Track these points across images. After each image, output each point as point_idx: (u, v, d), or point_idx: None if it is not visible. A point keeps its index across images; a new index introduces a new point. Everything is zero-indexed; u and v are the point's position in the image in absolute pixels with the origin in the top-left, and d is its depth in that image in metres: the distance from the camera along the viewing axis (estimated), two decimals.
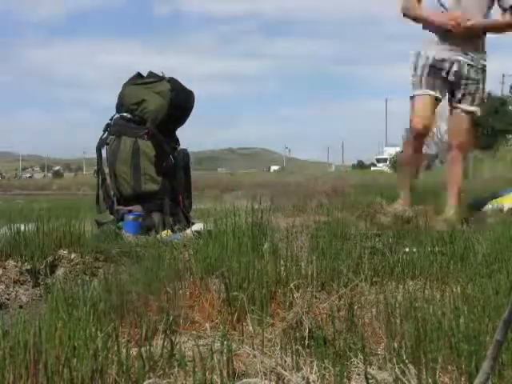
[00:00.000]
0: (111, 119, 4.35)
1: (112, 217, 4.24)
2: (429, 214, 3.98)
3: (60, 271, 2.59)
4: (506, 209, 4.83)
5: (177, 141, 4.45)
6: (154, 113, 4.22)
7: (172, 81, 4.34)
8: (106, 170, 4.35)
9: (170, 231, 3.81)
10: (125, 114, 4.29)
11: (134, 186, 4.17)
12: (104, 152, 4.35)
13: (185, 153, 4.44)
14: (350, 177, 19.41)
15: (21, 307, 2.20)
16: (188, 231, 3.60)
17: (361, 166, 72.84)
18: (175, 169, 4.30)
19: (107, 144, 4.31)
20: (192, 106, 4.47)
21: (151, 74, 4.40)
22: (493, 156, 27.16)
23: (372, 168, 62.12)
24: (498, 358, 1.07)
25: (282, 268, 1.96)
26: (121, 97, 4.35)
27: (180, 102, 4.33)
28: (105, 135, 4.33)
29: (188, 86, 4.45)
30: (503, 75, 42.19)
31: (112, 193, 4.27)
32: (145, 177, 4.17)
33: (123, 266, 2.53)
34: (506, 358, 1.24)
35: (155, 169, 4.19)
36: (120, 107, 4.34)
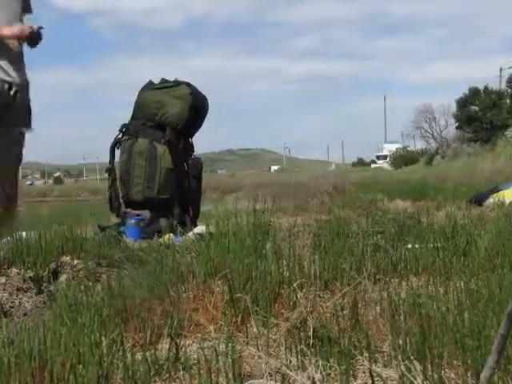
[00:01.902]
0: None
1: (115, 221, 4.23)
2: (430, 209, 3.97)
3: (63, 278, 2.59)
4: (507, 202, 4.84)
5: (192, 147, 4.41)
6: (176, 117, 4.16)
7: (190, 85, 4.30)
8: (118, 172, 4.31)
9: (171, 235, 3.80)
10: (143, 121, 4.23)
11: (146, 190, 4.13)
12: (117, 153, 4.30)
13: (198, 161, 4.41)
14: (350, 175, 19.43)
15: (25, 315, 2.19)
16: (190, 234, 3.59)
17: (361, 163, 72.86)
18: (188, 176, 4.27)
19: (121, 145, 4.26)
20: (207, 111, 4.44)
21: (164, 80, 4.35)
22: (491, 150, 27.16)
23: (372, 165, 62.13)
24: (503, 352, 1.06)
25: (285, 268, 1.96)
26: (138, 103, 4.28)
27: (199, 107, 4.30)
28: (120, 135, 4.30)
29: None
30: (500, 69, 42.20)
31: (120, 195, 4.25)
32: (158, 183, 4.13)
33: (126, 271, 2.53)
34: None
35: (169, 175, 4.14)
36: (136, 114, 4.28)
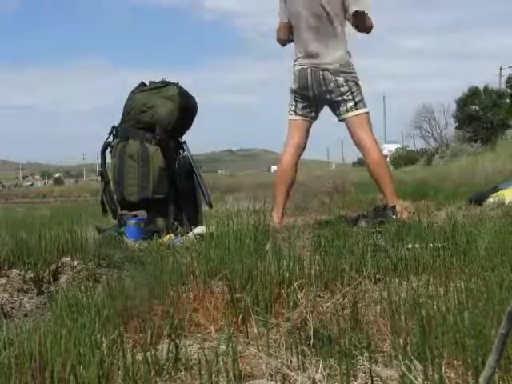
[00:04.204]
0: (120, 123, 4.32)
1: (113, 223, 4.23)
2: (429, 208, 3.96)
3: (63, 278, 2.59)
4: (507, 202, 4.84)
5: (182, 146, 4.41)
6: (166, 117, 4.18)
7: (178, 85, 4.32)
8: (110, 174, 4.32)
9: (172, 235, 3.80)
10: (133, 123, 4.24)
11: (140, 191, 4.13)
12: (108, 155, 4.32)
13: (188, 159, 4.41)
14: (350, 175, 19.42)
15: (25, 315, 2.20)
16: (190, 234, 3.60)
17: (361, 163, 72.81)
18: (180, 174, 4.27)
19: (112, 147, 4.27)
20: (196, 111, 4.45)
21: (153, 82, 4.37)
22: (492, 149, 27.16)
23: None
24: (504, 351, 1.07)
25: (285, 268, 1.96)
26: (128, 105, 4.30)
27: (188, 107, 4.32)
28: (110, 138, 4.30)
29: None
30: (500, 68, 42.24)
31: (115, 197, 4.25)
32: (152, 182, 4.13)
33: (126, 272, 2.53)
34: None
35: (162, 174, 4.15)
36: (126, 116, 4.28)
